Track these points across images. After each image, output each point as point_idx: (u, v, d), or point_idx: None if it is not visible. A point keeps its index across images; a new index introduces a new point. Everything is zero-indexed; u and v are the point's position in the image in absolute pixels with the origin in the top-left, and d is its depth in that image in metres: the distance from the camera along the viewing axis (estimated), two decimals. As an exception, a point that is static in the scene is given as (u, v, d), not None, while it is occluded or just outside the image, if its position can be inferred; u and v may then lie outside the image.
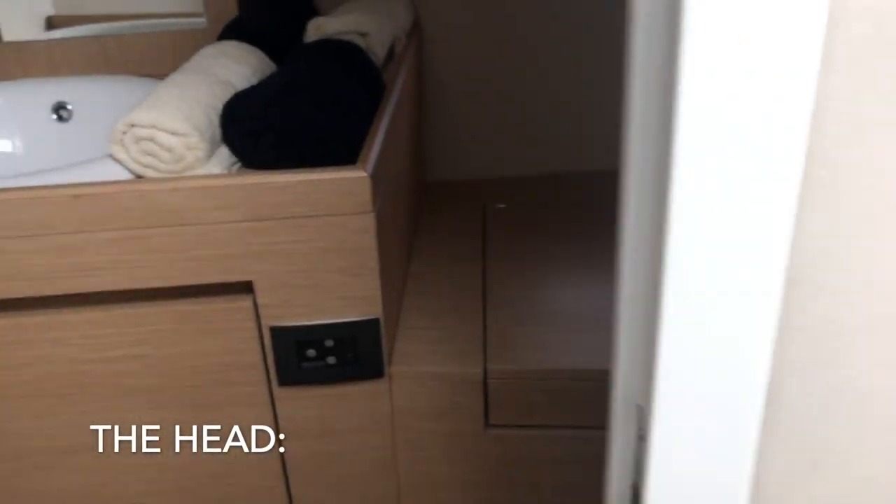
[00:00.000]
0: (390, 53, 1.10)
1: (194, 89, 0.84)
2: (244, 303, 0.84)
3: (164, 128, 0.79)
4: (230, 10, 1.11)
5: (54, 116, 1.07)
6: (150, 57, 1.15)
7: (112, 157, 0.83)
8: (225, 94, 0.87)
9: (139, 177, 0.83)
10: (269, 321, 0.85)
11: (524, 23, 1.28)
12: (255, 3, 1.11)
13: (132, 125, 0.80)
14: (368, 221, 0.80)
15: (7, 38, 1.21)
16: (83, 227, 0.78)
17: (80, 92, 1.08)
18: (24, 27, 1.23)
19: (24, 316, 0.82)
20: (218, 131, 0.84)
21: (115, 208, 0.77)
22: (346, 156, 0.83)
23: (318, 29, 1.04)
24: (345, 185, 0.78)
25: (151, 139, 0.80)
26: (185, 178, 0.78)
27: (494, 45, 1.29)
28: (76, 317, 0.83)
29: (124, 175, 0.83)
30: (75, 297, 0.83)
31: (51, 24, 1.26)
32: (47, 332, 0.83)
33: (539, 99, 1.32)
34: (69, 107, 1.07)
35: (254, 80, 0.92)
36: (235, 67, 0.91)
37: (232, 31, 1.02)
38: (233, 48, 0.95)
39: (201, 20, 1.14)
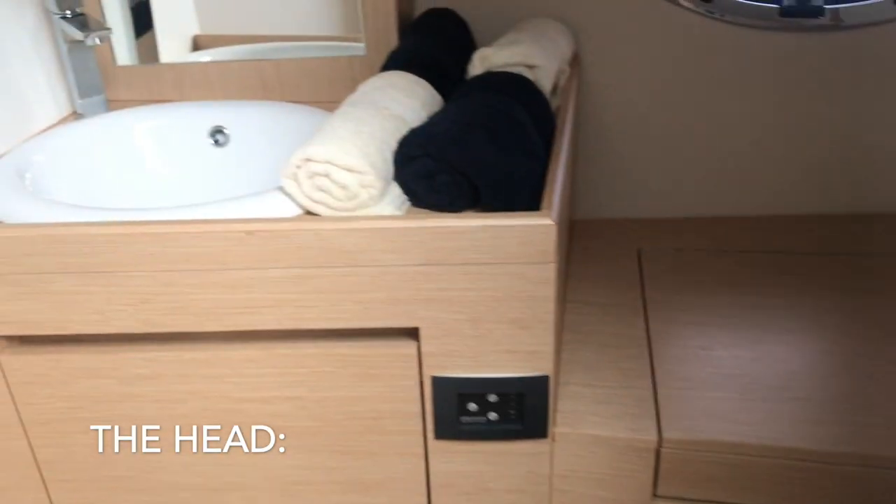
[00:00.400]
0: (554, 86, 1.04)
1: (368, 124, 0.81)
2: (408, 349, 0.79)
3: (340, 164, 0.76)
4: (390, 39, 1.08)
5: (211, 141, 1.06)
6: (307, 83, 1.13)
7: (282, 190, 0.80)
8: (397, 130, 0.83)
9: (308, 212, 0.80)
10: (431, 370, 0.80)
11: (689, 58, 1.20)
12: (417, 33, 1.07)
13: (307, 160, 0.77)
14: (549, 272, 0.74)
15: (164, 58, 1.22)
16: (253, 264, 0.75)
17: (237, 117, 1.06)
18: (174, 47, 1.23)
19: (186, 350, 0.80)
20: (391, 168, 0.80)
21: (289, 246, 0.74)
22: (525, 199, 0.77)
23: (484, 60, 0.99)
24: (528, 233, 0.72)
25: (326, 175, 0.77)
26: (363, 219, 0.74)
27: (657, 77, 1.22)
28: (236, 354, 0.80)
29: (293, 209, 0.80)
30: (237, 335, 0.80)
31: (196, 44, 1.26)
32: (206, 367, 0.81)
33: (704, 135, 1.24)
34: (226, 131, 1.06)
35: (423, 114, 0.88)
36: (406, 100, 0.87)
37: (396, 61, 0.98)
38: (400, 79, 0.91)
39: (359, 45, 1.11)
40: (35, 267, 0.75)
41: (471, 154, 0.76)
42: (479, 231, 0.73)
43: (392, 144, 0.81)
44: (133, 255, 0.74)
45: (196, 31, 1.26)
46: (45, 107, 1.07)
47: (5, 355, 0.81)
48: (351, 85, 1.09)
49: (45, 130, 1.06)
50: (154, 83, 1.17)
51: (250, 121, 1.06)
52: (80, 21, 0.99)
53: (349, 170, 0.76)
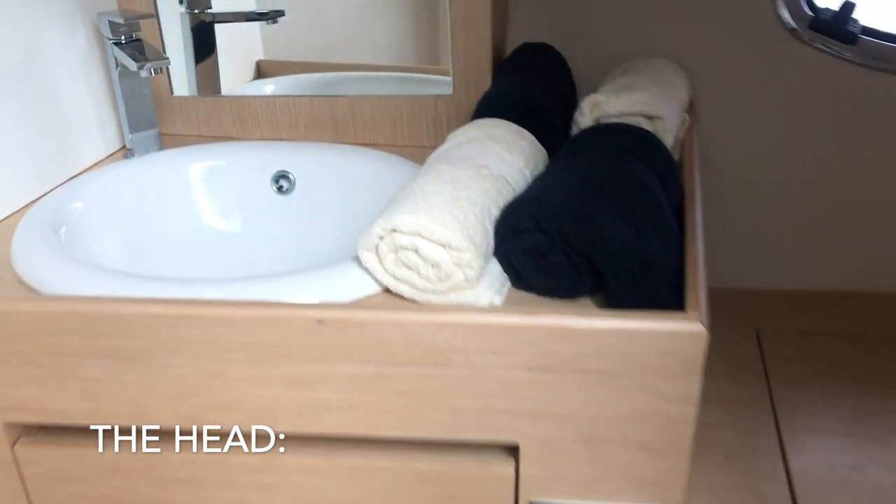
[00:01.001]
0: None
1: (466, 187, 0.66)
2: (503, 469, 0.64)
3: (434, 238, 0.61)
4: (482, 77, 0.94)
5: (274, 187, 0.93)
6: (384, 124, 0.99)
7: (359, 261, 0.66)
8: (499, 194, 0.68)
9: (387, 290, 0.66)
10: (530, 495, 0.65)
11: (821, 106, 1.03)
12: (513, 71, 0.93)
13: (393, 230, 0.63)
14: (691, 388, 0.59)
15: (224, 87, 1.10)
16: (322, 358, 0.61)
17: (304, 160, 0.93)
18: (236, 74, 1.11)
19: (233, 453, 0.66)
20: (492, 243, 0.65)
21: (366, 339, 0.60)
22: (661, 290, 0.62)
23: (595, 108, 0.85)
24: (670, 341, 0.57)
25: (415, 250, 0.62)
26: (458, 310, 0.59)
27: (782, 127, 1.05)
28: (294, 461, 0.66)
29: (371, 286, 0.66)
30: (296, 439, 0.66)
31: (259, 70, 1.14)
32: (257, 474, 0.67)
33: (836, 193, 1.06)
34: (292, 177, 0.93)
35: (527, 173, 0.74)
36: (508, 157, 0.73)
37: (491, 106, 0.84)
38: (500, 129, 0.77)
39: (442, 79, 0.97)
40: (61, 347, 0.62)
41: (596, 231, 0.61)
42: (607, 334, 0.57)
43: (493, 212, 0.67)
44: (177, 339, 0.61)
45: (260, 56, 1.14)
46: (93, 141, 0.95)
47: (21, 446, 0.68)
48: (434, 128, 0.96)
49: (91, 168, 0.94)
50: (213, 117, 1.04)
51: (319, 166, 0.93)
52: (136, 48, 0.87)
53: (443, 245, 0.61)
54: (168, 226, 0.88)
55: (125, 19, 0.84)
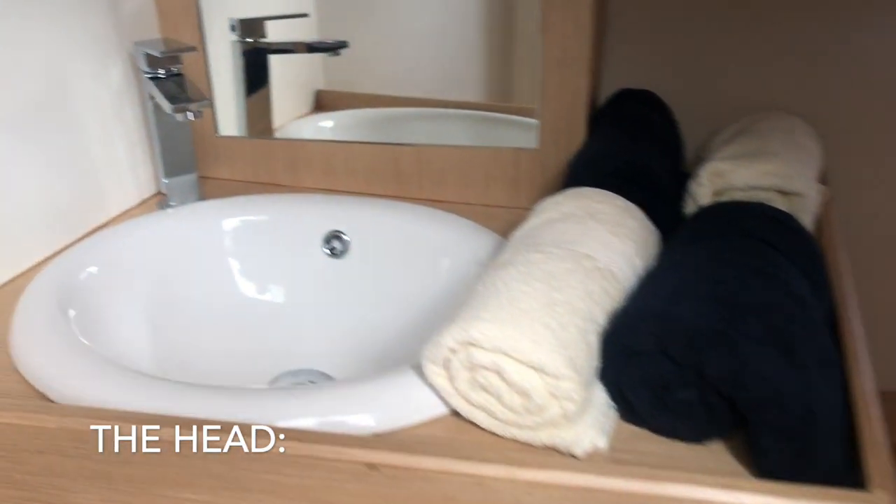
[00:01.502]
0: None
1: (566, 286, 0.52)
2: None
3: (524, 359, 0.47)
4: (575, 129, 0.79)
5: (326, 250, 0.80)
6: (455, 178, 0.85)
7: (421, 374, 0.52)
8: (605, 295, 0.53)
9: (455, 412, 0.51)
10: None
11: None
12: (612, 125, 0.78)
13: (470, 344, 0.48)
14: None
15: (278, 121, 0.98)
16: (372, 511, 0.46)
17: (360, 220, 0.80)
18: (292, 105, 0.99)
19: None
20: (595, 361, 0.51)
21: (432, 493, 0.45)
22: (832, 450, 0.46)
23: (717, 178, 0.69)
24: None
25: (497, 372, 0.48)
26: (557, 469, 0.44)
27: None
28: None
29: (436, 407, 0.52)
30: None
31: (318, 101, 1.01)
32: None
33: None
34: (345, 238, 0.79)
35: (638, 265, 0.59)
36: (614, 242, 0.58)
37: (588, 169, 0.69)
38: (604, 205, 0.62)
39: (520, 120, 0.83)
40: (46, 469, 0.49)
41: (743, 365, 0.46)
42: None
43: (599, 321, 0.52)
44: (189, 471, 0.48)
45: (320, 85, 1.02)
46: (123, 186, 0.83)
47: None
48: (514, 187, 0.82)
49: (120, 217, 0.82)
50: (262, 161, 0.92)
51: (378, 227, 0.79)
52: (176, 84, 0.75)
53: (536, 369, 0.47)
54: (198, 293, 0.76)
55: (163, 52, 0.72)
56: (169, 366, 0.68)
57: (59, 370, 0.53)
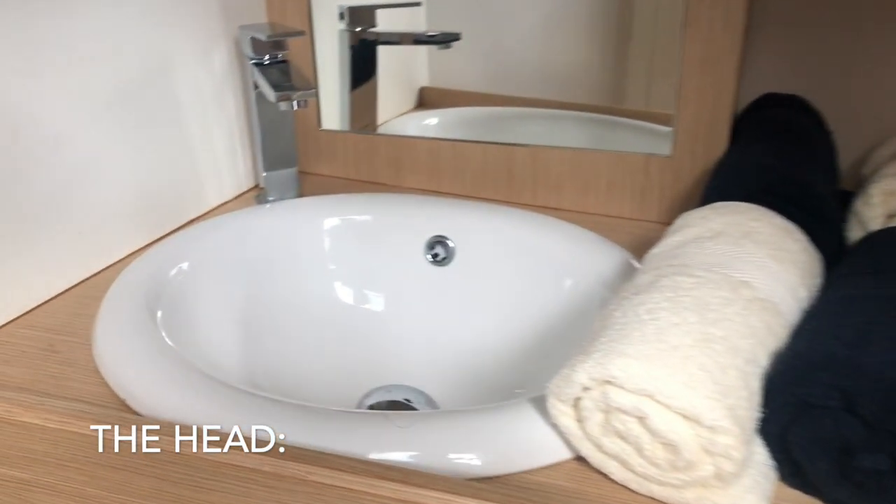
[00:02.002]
0: None
1: (722, 319, 0.43)
2: None
3: (674, 405, 0.39)
4: (717, 137, 0.70)
5: (428, 256, 0.73)
6: (574, 184, 0.77)
7: (544, 410, 0.44)
8: (769, 332, 0.45)
9: (580, 458, 0.44)
10: None
11: None
12: (759, 132, 0.69)
13: (608, 382, 0.41)
14: None
15: (381, 115, 0.92)
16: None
17: (467, 225, 0.73)
18: (395, 102, 0.93)
19: None
20: (756, 410, 0.42)
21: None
22: None
23: (891, 197, 0.59)
24: None
25: (639, 418, 0.40)
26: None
27: None
28: None
29: (557, 449, 0.44)
30: None
31: (422, 98, 0.95)
32: None
33: None
34: (450, 244, 0.73)
35: (802, 296, 0.49)
36: (775, 268, 0.49)
37: (739, 184, 0.60)
38: (762, 224, 0.53)
39: (648, 127, 0.74)
40: (122, 487, 0.44)
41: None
42: None
43: (762, 363, 0.43)
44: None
45: (425, 82, 0.95)
46: (221, 177, 0.79)
47: None
48: (641, 197, 0.73)
49: (216, 210, 0.78)
50: (365, 158, 0.86)
51: (486, 234, 0.72)
52: (281, 71, 0.71)
53: (690, 419, 0.39)
54: (293, 296, 0.70)
55: (269, 36, 0.67)
56: (258, 372, 0.63)
57: (142, 377, 0.48)
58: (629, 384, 0.40)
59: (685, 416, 0.39)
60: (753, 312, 0.45)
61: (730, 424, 0.38)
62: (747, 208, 0.55)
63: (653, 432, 0.40)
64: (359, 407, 0.66)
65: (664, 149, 0.73)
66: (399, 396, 0.68)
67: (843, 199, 0.65)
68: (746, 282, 0.47)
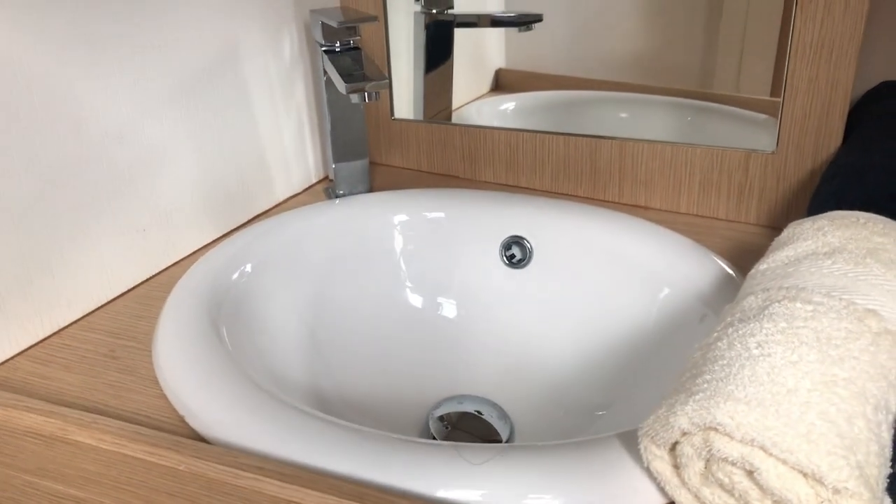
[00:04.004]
0: None
1: (847, 357, 0.37)
2: None
3: (791, 461, 0.33)
4: (828, 134, 0.63)
5: (504, 257, 0.69)
6: (666, 181, 0.71)
7: (634, 450, 0.40)
8: (902, 372, 0.38)
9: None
10: None
11: None
12: (884, 133, 0.61)
13: (712, 429, 0.35)
14: None
15: (455, 98, 0.87)
16: None
17: (547, 225, 0.68)
18: (472, 84, 0.88)
19: None
20: (887, 468, 0.36)
21: None
22: None
23: None
24: None
25: (748, 472, 0.35)
26: None
27: None
28: None
29: (650, 495, 0.39)
30: None
31: (498, 80, 0.90)
32: None
33: None
34: (527, 245, 0.68)
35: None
36: (907, 293, 0.43)
37: (857, 191, 0.53)
38: (887, 238, 0.46)
39: (747, 114, 0.68)
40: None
41: None
42: None
43: (893, 408, 0.37)
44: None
45: (502, 64, 0.90)
46: (290, 168, 0.76)
47: None
48: (739, 197, 0.67)
49: (285, 203, 0.75)
50: (438, 149, 0.82)
51: (567, 235, 0.67)
52: (353, 59, 0.67)
53: (808, 476, 0.33)
54: (361, 298, 0.67)
55: (341, 22, 0.63)
56: (323, 380, 0.60)
57: (201, 394, 0.46)
58: (738, 434, 0.35)
59: (803, 473, 0.34)
60: (883, 348, 0.39)
61: (857, 486, 0.33)
62: (870, 219, 0.48)
63: (763, 488, 0.35)
64: (428, 418, 0.62)
65: (760, 138, 0.66)
66: (470, 408, 0.64)
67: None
68: (873, 310, 0.41)
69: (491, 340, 0.67)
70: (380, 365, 0.64)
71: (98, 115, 0.55)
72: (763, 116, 0.66)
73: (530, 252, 0.68)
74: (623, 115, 0.81)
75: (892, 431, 0.37)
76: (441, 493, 0.39)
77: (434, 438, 0.61)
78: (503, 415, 0.63)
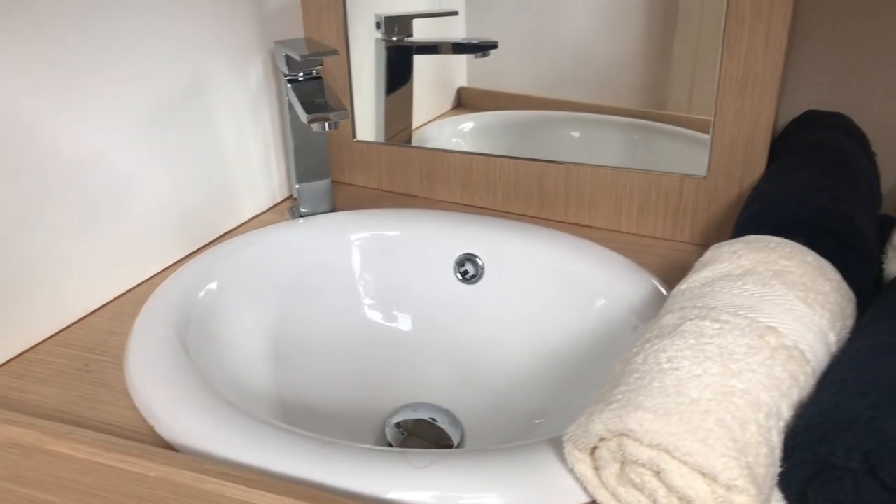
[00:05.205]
0: None
1: (745, 370, 0.42)
2: None
3: (690, 462, 0.38)
4: (755, 160, 0.68)
5: (457, 273, 0.73)
6: (608, 203, 0.76)
7: (561, 454, 0.44)
8: (794, 383, 0.44)
9: None
10: None
11: None
12: (799, 155, 0.67)
13: (625, 435, 0.40)
14: None
15: (417, 117, 0.92)
16: None
17: (498, 243, 0.73)
18: (432, 103, 0.93)
19: None
20: (776, 469, 0.41)
21: None
22: None
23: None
24: None
25: (656, 472, 0.40)
26: None
27: None
28: None
29: (574, 494, 0.44)
30: None
31: (459, 98, 0.94)
32: None
33: None
34: (479, 262, 0.73)
35: (831, 340, 0.48)
36: (805, 313, 0.48)
37: (772, 216, 0.59)
38: (793, 262, 0.52)
39: (686, 133, 0.73)
40: (146, 514, 0.46)
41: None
42: None
43: (784, 415, 0.43)
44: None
45: (463, 82, 0.95)
46: (256, 189, 0.80)
47: None
48: (674, 218, 0.72)
49: (250, 222, 0.79)
50: (398, 169, 0.87)
51: (517, 254, 0.72)
52: (315, 88, 0.71)
53: (706, 476, 0.38)
54: (321, 312, 0.71)
55: (303, 56, 0.68)
56: (286, 389, 0.64)
57: (169, 405, 0.50)
58: (646, 439, 0.40)
59: (702, 473, 0.39)
60: (778, 362, 0.44)
61: (746, 484, 0.38)
62: (780, 244, 0.54)
63: (668, 486, 0.40)
64: (385, 425, 0.66)
65: (703, 158, 0.71)
66: (425, 415, 0.68)
67: (884, 225, 0.63)
68: (773, 328, 0.46)
69: (445, 351, 0.72)
70: (340, 375, 0.68)
71: (72, 141, 0.59)
72: (707, 136, 0.71)
73: (482, 269, 0.73)
74: (575, 133, 0.86)
75: (783, 435, 0.42)
76: (392, 495, 0.43)
77: (390, 444, 0.65)
78: (455, 421, 0.67)
